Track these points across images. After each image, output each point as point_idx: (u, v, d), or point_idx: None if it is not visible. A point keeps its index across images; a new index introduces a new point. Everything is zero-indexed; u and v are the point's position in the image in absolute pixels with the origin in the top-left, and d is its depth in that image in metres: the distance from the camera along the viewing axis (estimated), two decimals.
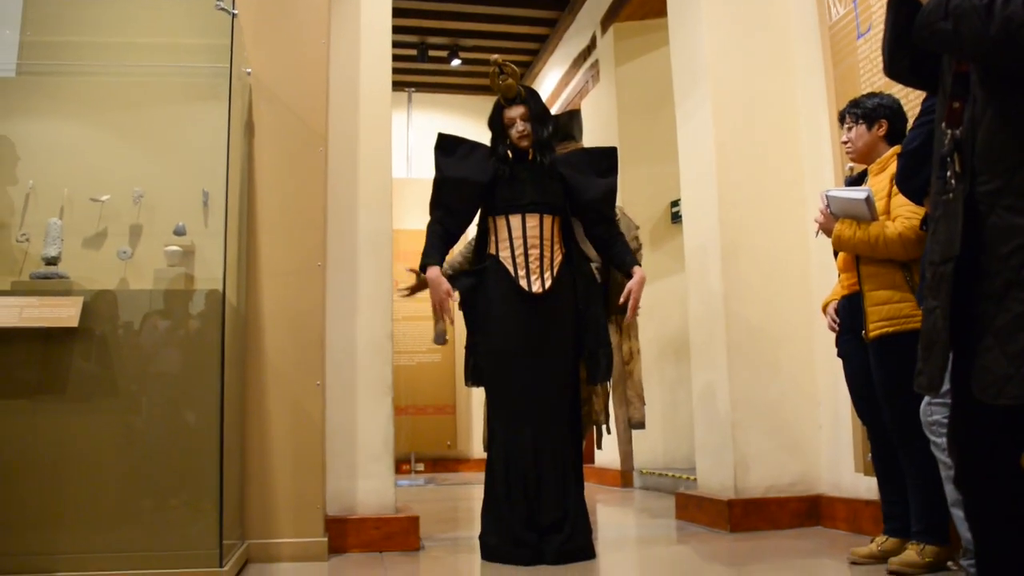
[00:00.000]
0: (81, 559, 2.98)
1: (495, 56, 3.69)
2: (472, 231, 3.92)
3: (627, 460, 3.99)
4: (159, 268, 3.49)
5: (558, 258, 3.64)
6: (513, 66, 3.67)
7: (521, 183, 3.64)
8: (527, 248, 3.58)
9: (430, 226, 3.68)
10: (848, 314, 3.30)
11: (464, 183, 3.67)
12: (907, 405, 2.93)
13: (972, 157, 1.74)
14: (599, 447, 4.30)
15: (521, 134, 3.67)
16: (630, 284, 3.65)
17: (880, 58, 2.10)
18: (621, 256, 3.72)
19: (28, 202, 3.41)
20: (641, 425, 3.98)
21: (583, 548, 3.46)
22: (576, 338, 3.65)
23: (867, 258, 3.12)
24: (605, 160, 3.84)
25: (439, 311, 3.59)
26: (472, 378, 3.75)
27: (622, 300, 3.65)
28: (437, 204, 3.70)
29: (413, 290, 4.43)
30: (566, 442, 3.56)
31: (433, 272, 3.56)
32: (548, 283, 3.57)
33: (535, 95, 3.78)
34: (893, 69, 2.03)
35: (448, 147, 3.76)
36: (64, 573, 2.93)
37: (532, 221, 3.61)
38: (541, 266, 3.58)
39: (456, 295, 3.62)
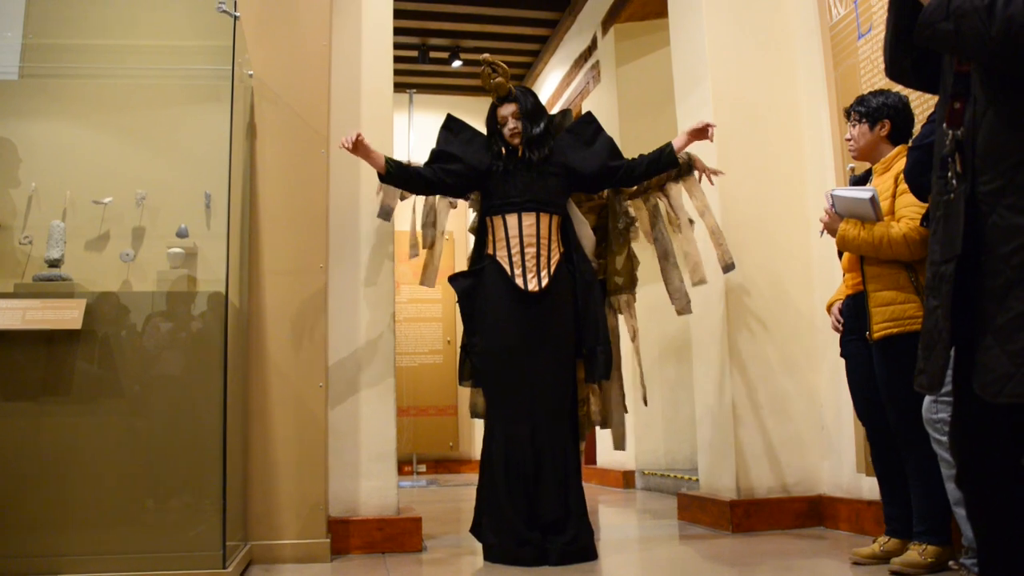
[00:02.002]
0: (84, 560, 2.98)
1: (486, 55, 3.71)
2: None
3: (620, 442, 3.97)
4: (162, 270, 3.49)
5: (555, 257, 3.65)
6: (504, 65, 3.69)
7: (516, 181, 3.65)
8: (523, 247, 3.60)
9: None
10: (853, 314, 3.30)
11: (459, 161, 3.72)
12: (911, 406, 2.93)
13: (973, 157, 1.74)
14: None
15: (513, 132, 3.69)
16: (694, 128, 3.80)
17: (881, 59, 2.11)
18: (656, 153, 3.81)
19: (31, 204, 3.42)
20: (643, 401, 4.01)
21: (586, 549, 3.46)
22: (575, 336, 3.67)
23: (872, 258, 3.12)
24: (587, 128, 3.90)
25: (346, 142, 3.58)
26: (466, 377, 3.77)
27: (696, 131, 3.77)
28: (423, 167, 3.76)
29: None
30: (566, 440, 3.56)
31: (378, 157, 3.63)
32: (545, 281, 3.58)
33: (527, 93, 3.79)
34: (894, 70, 2.03)
35: (454, 128, 3.83)
36: (67, 575, 2.93)
37: (529, 220, 3.62)
38: (538, 264, 3.59)
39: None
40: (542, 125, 3.73)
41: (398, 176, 3.68)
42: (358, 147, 3.57)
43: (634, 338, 3.99)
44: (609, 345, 3.73)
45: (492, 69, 3.67)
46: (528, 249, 3.60)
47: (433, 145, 3.81)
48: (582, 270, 3.72)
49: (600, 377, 3.70)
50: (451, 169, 3.71)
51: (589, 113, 3.97)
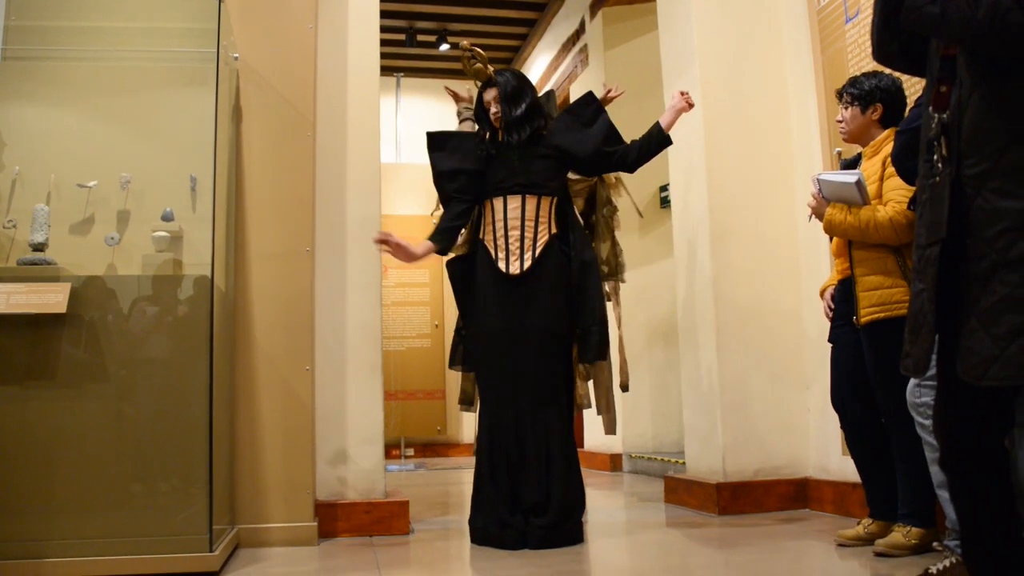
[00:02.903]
0: (71, 545, 2.98)
1: (464, 42, 3.71)
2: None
3: (611, 426, 4.00)
4: (147, 254, 3.47)
5: (543, 239, 3.60)
6: (481, 51, 3.68)
7: (504, 164, 3.64)
8: (507, 230, 3.58)
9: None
10: (842, 299, 3.30)
11: (459, 173, 3.69)
12: (900, 390, 2.94)
13: (959, 141, 1.74)
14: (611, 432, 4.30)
15: (496, 116, 3.67)
16: (673, 105, 3.76)
17: (868, 43, 2.10)
18: (645, 137, 3.74)
19: (14, 188, 3.39)
20: (625, 387, 4.04)
21: (568, 532, 3.46)
22: (568, 318, 3.64)
23: (859, 243, 3.11)
24: (586, 109, 3.82)
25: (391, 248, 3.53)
26: (456, 362, 3.78)
27: (677, 107, 3.74)
28: (442, 199, 3.76)
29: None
30: (551, 424, 3.53)
31: (422, 246, 3.57)
32: (528, 264, 3.56)
33: (510, 76, 3.74)
34: (881, 53, 2.03)
35: (439, 143, 3.79)
36: (54, 559, 2.92)
37: (514, 203, 3.60)
38: (521, 247, 3.56)
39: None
40: (523, 107, 3.67)
41: (449, 236, 3.64)
42: (399, 250, 3.50)
43: (618, 325, 3.99)
44: (605, 326, 3.69)
45: (471, 55, 3.66)
46: (512, 232, 3.58)
47: (421, 131, 3.80)
48: (579, 250, 3.69)
49: (594, 357, 3.66)
50: (461, 187, 3.68)
51: (590, 93, 3.90)
